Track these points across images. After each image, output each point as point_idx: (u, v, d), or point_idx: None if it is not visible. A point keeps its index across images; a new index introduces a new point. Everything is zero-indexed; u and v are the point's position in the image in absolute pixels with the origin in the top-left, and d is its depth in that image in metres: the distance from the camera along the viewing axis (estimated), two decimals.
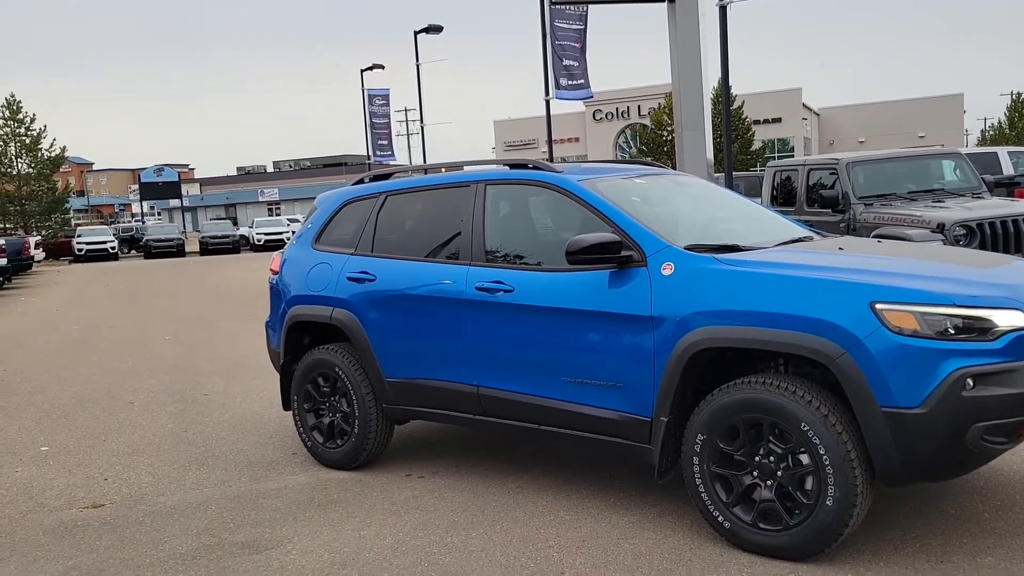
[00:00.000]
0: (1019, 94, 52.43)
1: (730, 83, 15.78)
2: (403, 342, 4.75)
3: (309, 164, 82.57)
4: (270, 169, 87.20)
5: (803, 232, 4.64)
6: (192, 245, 43.43)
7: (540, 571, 3.58)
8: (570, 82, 21.77)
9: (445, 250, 4.70)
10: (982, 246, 8.00)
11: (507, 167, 4.81)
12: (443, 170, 5.55)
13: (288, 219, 46.67)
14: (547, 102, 21.65)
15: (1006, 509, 3.93)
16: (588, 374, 4.02)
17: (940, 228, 8.16)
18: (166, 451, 5.83)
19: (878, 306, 3.27)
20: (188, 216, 72.02)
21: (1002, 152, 15.22)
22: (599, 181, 4.38)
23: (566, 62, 21.72)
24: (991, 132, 59.33)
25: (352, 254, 5.09)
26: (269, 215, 62.52)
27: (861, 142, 55.07)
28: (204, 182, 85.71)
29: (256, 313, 13.26)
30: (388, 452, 5.24)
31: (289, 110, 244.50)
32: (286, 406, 5.46)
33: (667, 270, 3.80)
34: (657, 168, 5.18)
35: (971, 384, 3.17)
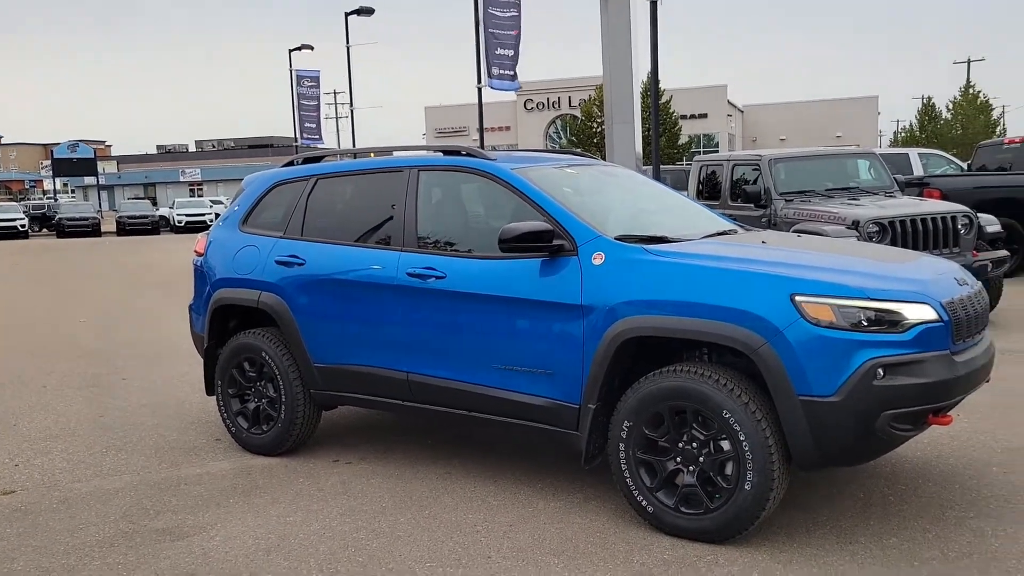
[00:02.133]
0: (929, 98, 54.70)
1: (659, 77, 16.01)
2: (332, 327, 4.71)
3: (233, 144, 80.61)
4: (192, 149, 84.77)
5: (728, 225, 4.77)
6: (108, 225, 41.92)
7: (467, 555, 3.62)
8: (502, 71, 21.77)
9: (377, 235, 4.67)
10: (893, 243, 8.33)
11: (440, 153, 4.81)
12: (372, 155, 5.51)
13: (211, 200, 45.56)
14: (479, 90, 21.61)
15: (909, 493, 4.13)
16: (518, 361, 4.06)
17: (855, 225, 8.46)
18: (81, 436, 5.65)
19: (797, 298, 3.40)
20: (104, 195, 69.48)
21: (913, 154, 15.89)
22: (531, 170, 4.42)
23: (499, 51, 21.70)
24: (903, 134, 61.68)
25: (281, 237, 5.02)
26: (191, 196, 60.81)
27: (782, 140, 56.60)
28: (122, 160, 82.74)
29: (178, 296, 12.91)
30: (315, 438, 5.20)
31: (213, 88, 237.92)
32: (210, 391, 5.36)
33: (598, 260, 3.86)
34: (587, 158, 5.25)
35: (882, 374, 3.32)
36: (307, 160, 5.39)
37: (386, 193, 4.70)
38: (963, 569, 3.31)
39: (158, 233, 39.57)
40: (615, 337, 3.72)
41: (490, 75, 21.56)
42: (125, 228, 39.01)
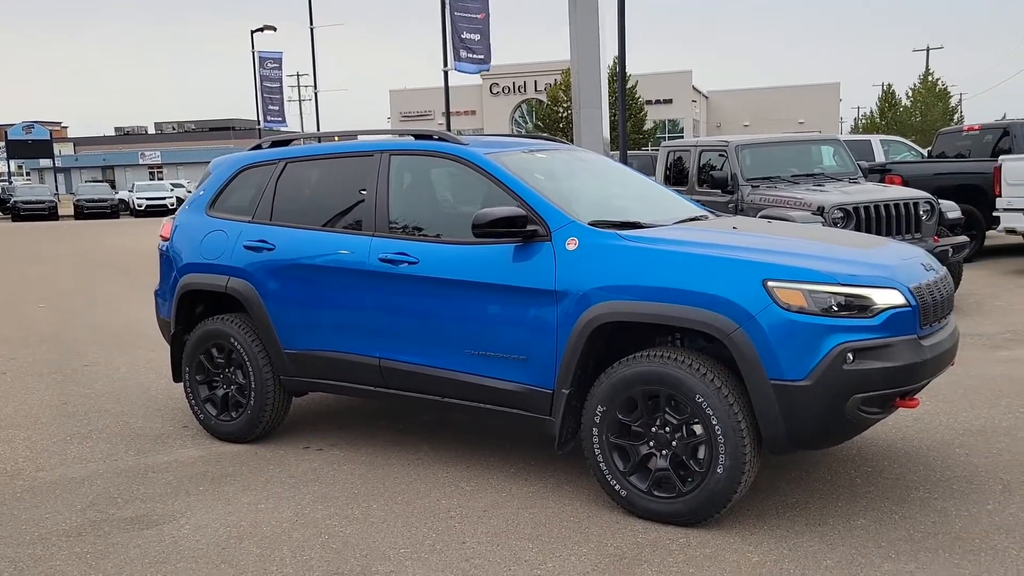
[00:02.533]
0: (890, 85, 55.47)
1: (626, 62, 16.02)
2: (303, 313, 4.66)
3: (194, 127, 79.20)
4: (151, 131, 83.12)
5: (698, 211, 4.80)
6: (66, 208, 41.08)
7: (441, 541, 3.62)
8: (469, 54, 21.66)
9: (347, 220, 4.63)
10: (857, 228, 8.45)
11: (411, 137, 4.77)
12: (336, 139, 5.45)
13: (171, 184, 44.75)
14: (445, 73, 21.48)
15: (875, 475, 4.21)
16: (492, 347, 4.06)
17: (820, 211, 8.57)
18: (44, 424, 5.55)
19: (769, 283, 3.43)
20: (61, 177, 67.96)
21: (875, 140, 16.11)
22: (505, 155, 4.40)
23: (466, 34, 21.59)
24: (863, 121, 62.53)
25: (249, 222, 4.95)
26: (151, 179, 59.74)
27: (746, 126, 57.11)
28: (79, 142, 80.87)
29: (139, 281, 12.72)
30: (285, 425, 5.16)
31: (173, 70, 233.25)
32: (177, 378, 5.28)
33: (571, 245, 3.87)
34: (559, 143, 5.24)
35: (851, 358, 3.37)
36: (275, 144, 5.32)
37: (357, 177, 4.65)
38: (929, 549, 3.38)
39: (117, 217, 38.87)
40: (589, 322, 3.73)
41: (457, 58, 21.46)
42: (83, 212, 38.26)
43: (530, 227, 3.94)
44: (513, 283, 3.96)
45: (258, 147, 5.33)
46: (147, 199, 39.11)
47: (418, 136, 4.74)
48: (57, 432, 5.36)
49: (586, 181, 4.81)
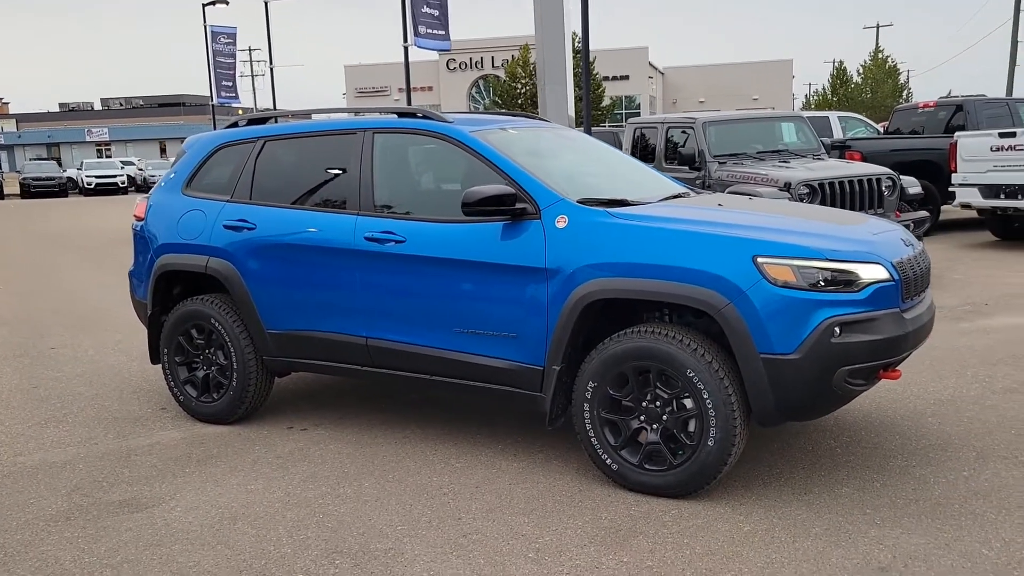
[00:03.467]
0: (841, 62, 56.26)
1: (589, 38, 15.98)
2: (287, 293, 4.62)
3: (142, 103, 77.25)
4: (98, 107, 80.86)
5: (680, 188, 4.85)
6: (11, 187, 39.94)
7: (437, 518, 3.65)
8: (429, 30, 21.44)
9: (331, 199, 4.59)
10: (823, 204, 8.61)
11: (395, 115, 4.73)
12: (311, 117, 5.38)
13: (122, 161, 43.72)
14: (405, 49, 21.25)
15: (854, 444, 4.33)
16: (482, 324, 4.07)
17: (787, 187, 8.71)
18: (16, 408, 5.44)
19: (759, 259, 3.50)
20: (4, 155, 66.00)
21: (833, 117, 16.36)
22: (490, 133, 4.39)
23: (425, 8, 21.35)
24: (816, 97, 63.37)
25: (228, 201, 4.88)
26: (99, 156, 58.22)
27: (701, 102, 57.48)
28: (21, 118, 78.39)
29: (98, 262, 12.47)
30: (266, 406, 5.12)
31: (119, 44, 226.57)
32: (155, 360, 5.21)
33: (561, 223, 3.89)
34: (541, 121, 5.24)
35: (838, 332, 3.45)
36: (252, 121, 5.23)
37: (340, 156, 4.61)
38: (912, 515, 3.50)
39: (66, 196, 37.94)
40: (581, 299, 3.76)
41: (416, 33, 21.22)
42: (30, 190, 37.26)
43: (519, 205, 3.95)
44: (503, 261, 3.98)
45: (234, 125, 5.25)
46: (97, 177, 38.21)
47: (402, 114, 4.70)
48: (31, 416, 5.26)
49: (571, 159, 4.83)
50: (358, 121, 4.71)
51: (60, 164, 47.91)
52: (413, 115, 4.61)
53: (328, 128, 4.81)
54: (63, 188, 38.12)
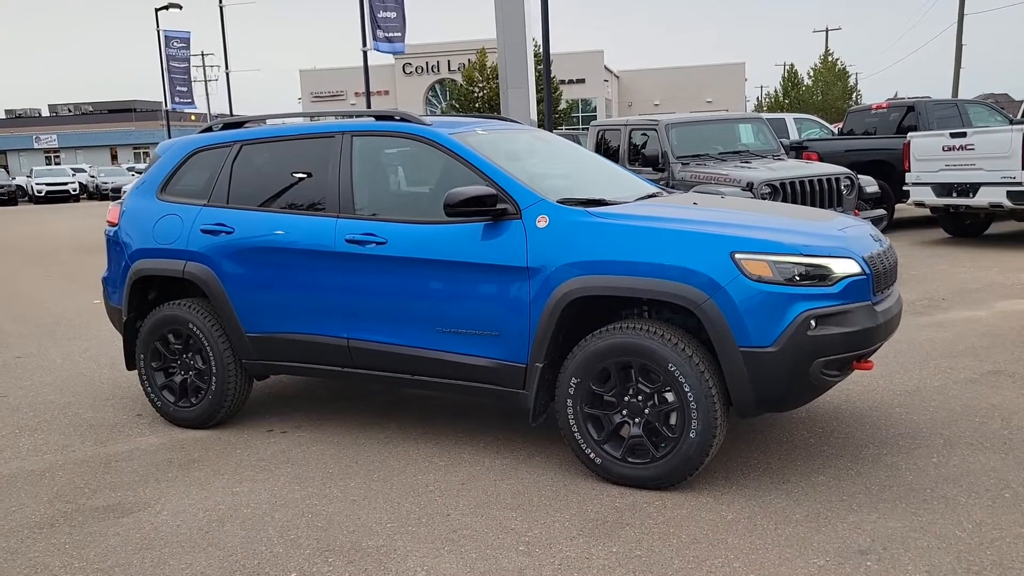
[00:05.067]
0: (792, 65, 57.32)
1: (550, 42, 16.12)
2: (266, 296, 4.63)
3: (91, 109, 75.64)
4: (46, 113, 79.01)
5: (654, 188, 4.95)
6: None
7: (426, 515, 3.69)
8: (386, 34, 21.43)
9: (310, 202, 4.60)
10: (784, 202, 8.81)
11: (373, 118, 4.76)
12: (283, 122, 5.40)
13: (72, 168, 42.82)
14: (364, 53, 21.19)
15: (827, 435, 4.47)
16: (464, 324, 4.13)
17: (749, 187, 8.90)
18: None
19: (737, 256, 3.61)
20: None
21: (789, 119, 16.72)
22: (468, 135, 4.45)
23: (382, 13, 21.33)
24: (768, 100, 64.43)
25: (205, 205, 4.87)
26: (47, 164, 56.96)
27: (656, 105, 58.09)
28: None
29: (56, 271, 12.22)
30: (244, 410, 5.11)
31: (67, 49, 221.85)
32: (130, 366, 5.17)
33: (542, 223, 3.96)
34: (516, 123, 5.31)
35: (814, 325, 3.58)
36: (227, 126, 5.23)
37: (318, 159, 4.63)
38: (887, 500, 3.63)
39: (15, 204, 37.11)
40: (563, 297, 3.84)
41: (375, 38, 21.20)
42: None
43: (500, 205, 4.01)
44: (485, 261, 4.03)
45: (208, 129, 5.23)
46: (48, 185, 37.43)
47: (379, 117, 4.74)
48: (3, 426, 5.19)
49: (547, 160, 4.91)
50: (336, 124, 4.74)
51: (8, 172, 46.73)
52: (391, 118, 4.65)
53: (306, 132, 4.83)
54: (12, 196, 37.25)
